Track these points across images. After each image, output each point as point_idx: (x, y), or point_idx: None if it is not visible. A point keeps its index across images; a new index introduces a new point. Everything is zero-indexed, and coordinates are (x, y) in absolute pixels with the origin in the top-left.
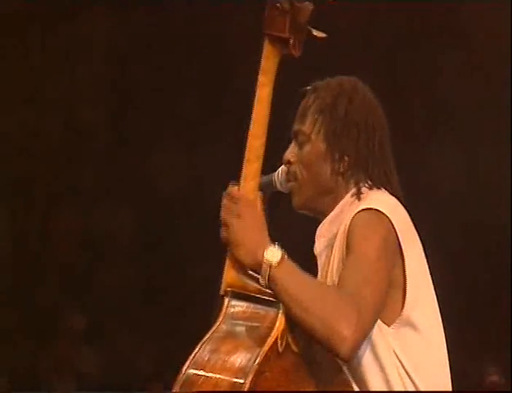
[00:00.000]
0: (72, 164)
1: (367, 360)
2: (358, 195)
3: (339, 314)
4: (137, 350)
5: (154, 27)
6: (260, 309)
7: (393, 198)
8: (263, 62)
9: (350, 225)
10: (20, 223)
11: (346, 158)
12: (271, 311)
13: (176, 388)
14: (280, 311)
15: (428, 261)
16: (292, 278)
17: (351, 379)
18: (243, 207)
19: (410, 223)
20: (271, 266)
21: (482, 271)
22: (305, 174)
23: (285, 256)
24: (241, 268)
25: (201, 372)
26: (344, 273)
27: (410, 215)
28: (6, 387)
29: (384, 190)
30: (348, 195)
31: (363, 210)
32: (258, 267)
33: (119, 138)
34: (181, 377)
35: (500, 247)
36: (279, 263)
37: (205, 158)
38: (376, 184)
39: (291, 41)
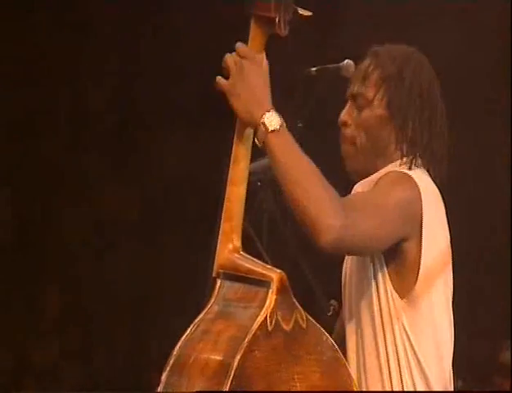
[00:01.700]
0: (78, 147)
1: (377, 328)
2: (401, 165)
3: (329, 204)
4: (146, 332)
5: (161, 12)
6: (251, 289)
7: (432, 182)
8: (250, 43)
9: (378, 179)
10: (25, 206)
11: (409, 128)
12: (262, 290)
13: (166, 369)
14: (270, 290)
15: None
16: (289, 149)
17: (343, 357)
18: (249, 63)
19: (440, 206)
20: (268, 132)
21: (490, 249)
22: (364, 139)
23: (284, 125)
24: (233, 248)
25: (191, 353)
26: (354, 195)
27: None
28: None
29: (427, 173)
30: (394, 163)
31: (396, 171)
32: (253, 126)
33: (125, 121)
34: (171, 358)
35: (507, 226)
36: (278, 130)
37: (212, 141)
38: (426, 162)
39: (277, 20)
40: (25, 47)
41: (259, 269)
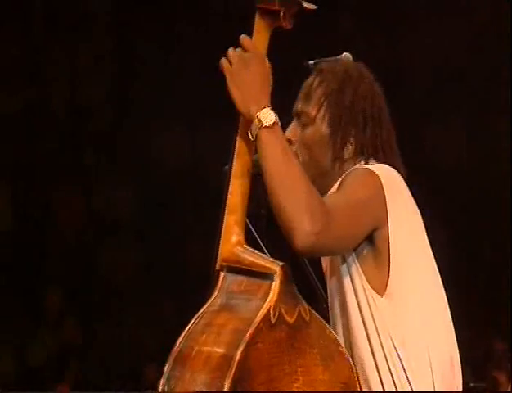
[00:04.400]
0: (75, 142)
1: (363, 332)
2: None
3: (309, 208)
4: (140, 328)
5: (157, 3)
6: (254, 282)
7: (391, 168)
8: (255, 36)
9: (344, 177)
10: (23, 201)
11: (350, 145)
12: (265, 283)
13: (169, 361)
14: (274, 282)
15: (428, 233)
16: (278, 147)
17: (346, 350)
18: (252, 57)
19: (405, 191)
20: (261, 125)
21: (484, 246)
22: (306, 156)
23: (278, 123)
24: (236, 242)
25: (194, 346)
26: (328, 196)
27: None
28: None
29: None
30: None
31: (358, 168)
32: (248, 118)
33: (122, 116)
34: (174, 351)
35: (502, 221)
36: (270, 127)
37: (208, 135)
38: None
39: (282, 13)
40: (23, 43)
41: (263, 262)
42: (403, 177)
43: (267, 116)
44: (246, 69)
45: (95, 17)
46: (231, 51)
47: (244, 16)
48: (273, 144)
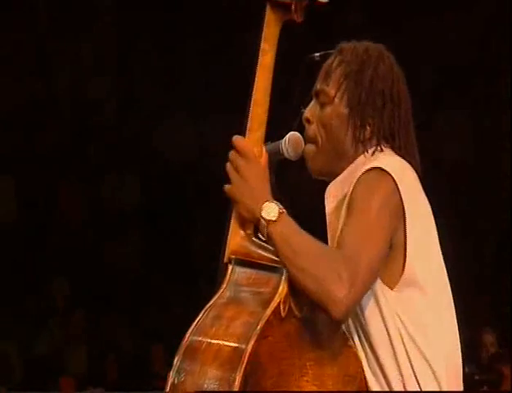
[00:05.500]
0: (79, 134)
1: (375, 325)
2: (370, 156)
3: (333, 276)
4: (142, 317)
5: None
6: (263, 275)
7: (403, 160)
8: (265, 29)
9: (354, 184)
10: (28, 193)
11: (368, 127)
12: (274, 276)
13: (179, 354)
14: (283, 276)
15: (437, 226)
16: (288, 237)
17: (355, 345)
18: (243, 162)
19: (417, 186)
20: (268, 223)
21: (489, 237)
22: (324, 137)
23: (283, 213)
24: (245, 234)
25: (204, 339)
26: (343, 232)
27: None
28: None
29: (393, 153)
30: (362, 156)
31: (369, 169)
32: (257, 223)
33: (126, 109)
34: (184, 343)
35: (507, 214)
36: (276, 220)
37: (212, 128)
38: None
39: (293, 6)
40: (26, 39)
41: (272, 255)
42: (417, 166)
43: (270, 211)
44: (241, 178)
45: (97, 15)
46: (227, 165)
47: (243, 15)
48: (283, 237)
